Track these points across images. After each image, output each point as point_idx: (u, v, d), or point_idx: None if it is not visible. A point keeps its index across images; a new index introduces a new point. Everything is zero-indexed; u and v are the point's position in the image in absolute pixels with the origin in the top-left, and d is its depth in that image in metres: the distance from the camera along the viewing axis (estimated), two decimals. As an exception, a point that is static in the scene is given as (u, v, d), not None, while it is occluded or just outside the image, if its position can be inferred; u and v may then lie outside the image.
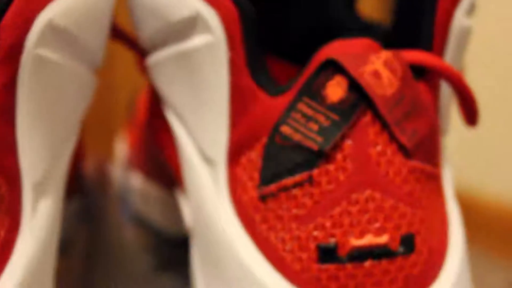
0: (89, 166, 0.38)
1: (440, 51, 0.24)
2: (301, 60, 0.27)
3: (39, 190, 0.23)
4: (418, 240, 0.23)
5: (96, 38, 0.24)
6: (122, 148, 0.40)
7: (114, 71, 0.57)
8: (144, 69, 0.28)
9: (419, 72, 0.24)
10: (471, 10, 0.25)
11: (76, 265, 0.37)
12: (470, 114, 0.25)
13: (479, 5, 0.26)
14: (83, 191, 0.36)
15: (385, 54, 0.22)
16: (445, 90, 0.25)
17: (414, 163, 0.23)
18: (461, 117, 0.26)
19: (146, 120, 0.32)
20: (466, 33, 0.25)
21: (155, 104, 0.29)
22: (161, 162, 0.31)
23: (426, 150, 0.24)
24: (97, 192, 0.37)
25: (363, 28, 0.29)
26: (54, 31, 0.22)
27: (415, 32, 0.25)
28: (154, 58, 0.26)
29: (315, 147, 0.22)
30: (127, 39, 0.28)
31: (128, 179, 0.38)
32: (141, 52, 0.27)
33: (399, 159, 0.23)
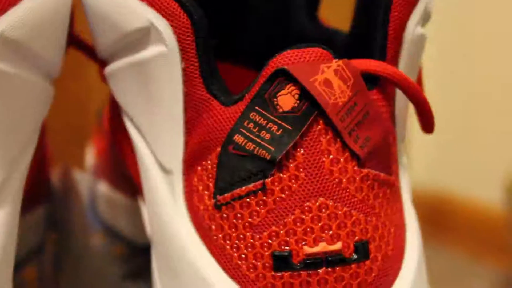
0: (57, 174, 0.38)
1: (394, 60, 0.24)
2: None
3: None
4: (372, 247, 0.23)
5: (51, 49, 0.24)
6: (90, 156, 0.40)
7: (88, 80, 0.57)
8: (105, 78, 0.28)
9: (373, 81, 0.24)
10: (425, 19, 0.25)
11: (43, 274, 0.37)
12: (426, 121, 0.25)
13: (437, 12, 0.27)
14: (50, 199, 0.36)
15: (336, 63, 0.23)
16: (401, 98, 0.25)
17: (367, 171, 0.23)
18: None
19: (109, 129, 0.32)
20: (420, 42, 0.25)
21: (116, 113, 0.29)
22: (125, 170, 0.31)
23: (380, 158, 0.24)
24: (64, 200, 0.37)
25: (325, 37, 0.30)
26: (6, 44, 0.22)
27: (370, 42, 0.25)
28: (111, 68, 0.26)
29: (267, 156, 0.22)
30: (86, 49, 0.28)
31: (95, 187, 0.38)
32: (100, 61, 0.27)
33: (352, 167, 0.23)
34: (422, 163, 1.10)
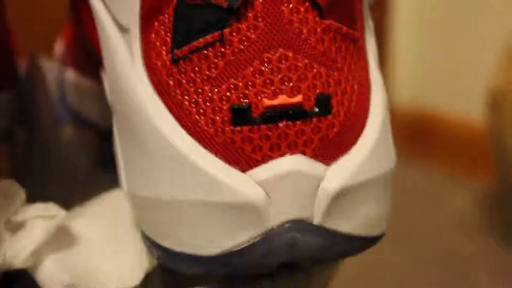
0: (25, 62, 0.37)
1: None
2: None
3: None
4: (334, 102, 0.22)
5: None
6: (58, 46, 0.39)
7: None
8: None
9: None
10: None
11: (11, 165, 0.36)
12: None
13: None
14: (16, 84, 0.35)
15: None
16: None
17: (329, 23, 0.22)
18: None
19: (70, 3, 0.32)
20: None
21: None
22: (90, 51, 0.31)
23: (343, 11, 0.23)
24: (32, 88, 0.37)
25: None
26: None
27: None
28: None
29: (224, 4, 0.22)
30: None
31: (63, 75, 0.37)
32: None
33: (313, 17, 0.22)
34: (406, 81, 1.09)
